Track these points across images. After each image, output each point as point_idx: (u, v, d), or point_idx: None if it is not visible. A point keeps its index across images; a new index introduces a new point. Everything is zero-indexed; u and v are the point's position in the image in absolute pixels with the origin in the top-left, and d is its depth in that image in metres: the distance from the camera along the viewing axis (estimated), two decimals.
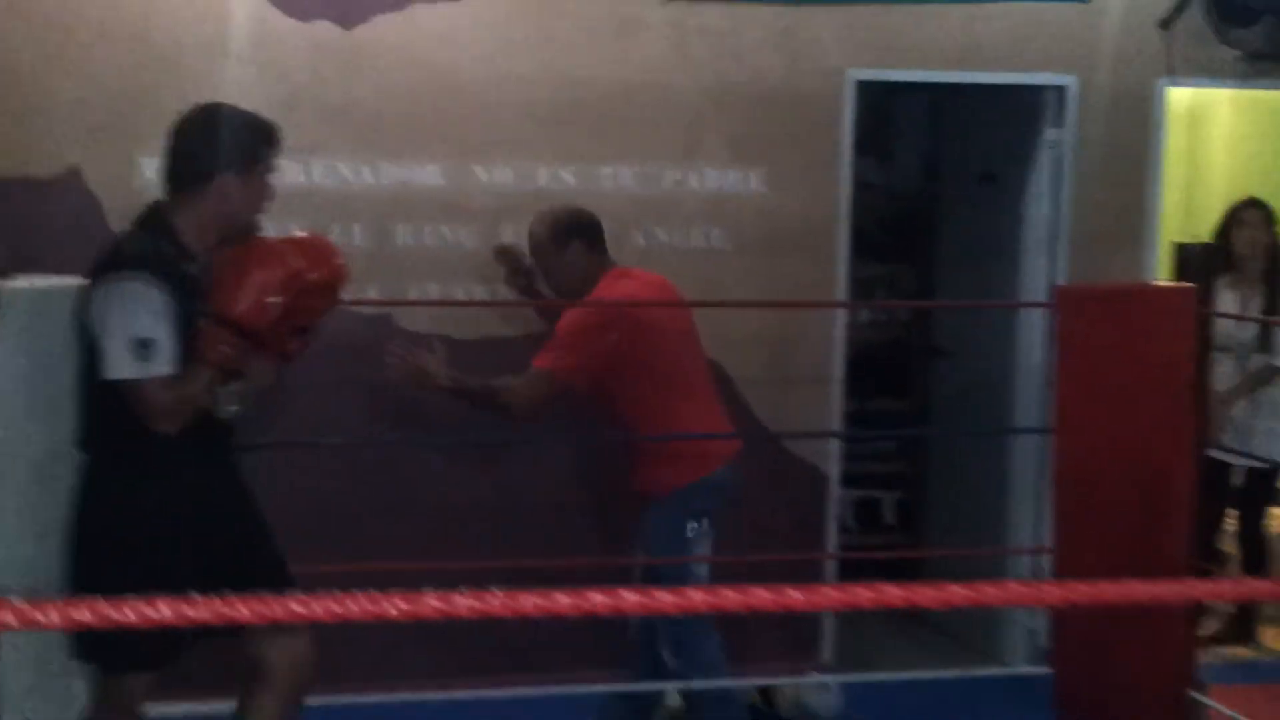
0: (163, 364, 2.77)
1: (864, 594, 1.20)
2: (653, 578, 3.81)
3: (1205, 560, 4.51)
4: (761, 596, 1.08)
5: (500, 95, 4.41)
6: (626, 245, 4.38)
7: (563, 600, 1.16)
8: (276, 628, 3.00)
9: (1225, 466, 4.98)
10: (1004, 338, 5.07)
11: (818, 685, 4.43)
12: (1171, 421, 3.85)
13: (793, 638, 4.67)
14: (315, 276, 2.87)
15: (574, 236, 3.90)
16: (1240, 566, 5.05)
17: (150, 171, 4.17)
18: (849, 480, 5.49)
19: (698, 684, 4.04)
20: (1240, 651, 5.07)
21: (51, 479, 2.90)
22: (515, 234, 4.32)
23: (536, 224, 3.94)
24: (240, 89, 4.00)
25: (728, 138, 4.60)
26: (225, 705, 3.12)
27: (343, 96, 4.31)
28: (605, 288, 3.86)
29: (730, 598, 1.11)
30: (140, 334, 2.75)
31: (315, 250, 2.94)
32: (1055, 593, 1.46)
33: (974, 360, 5.30)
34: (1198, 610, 4.10)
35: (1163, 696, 3.95)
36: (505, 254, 4.16)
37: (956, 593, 1.14)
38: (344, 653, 3.82)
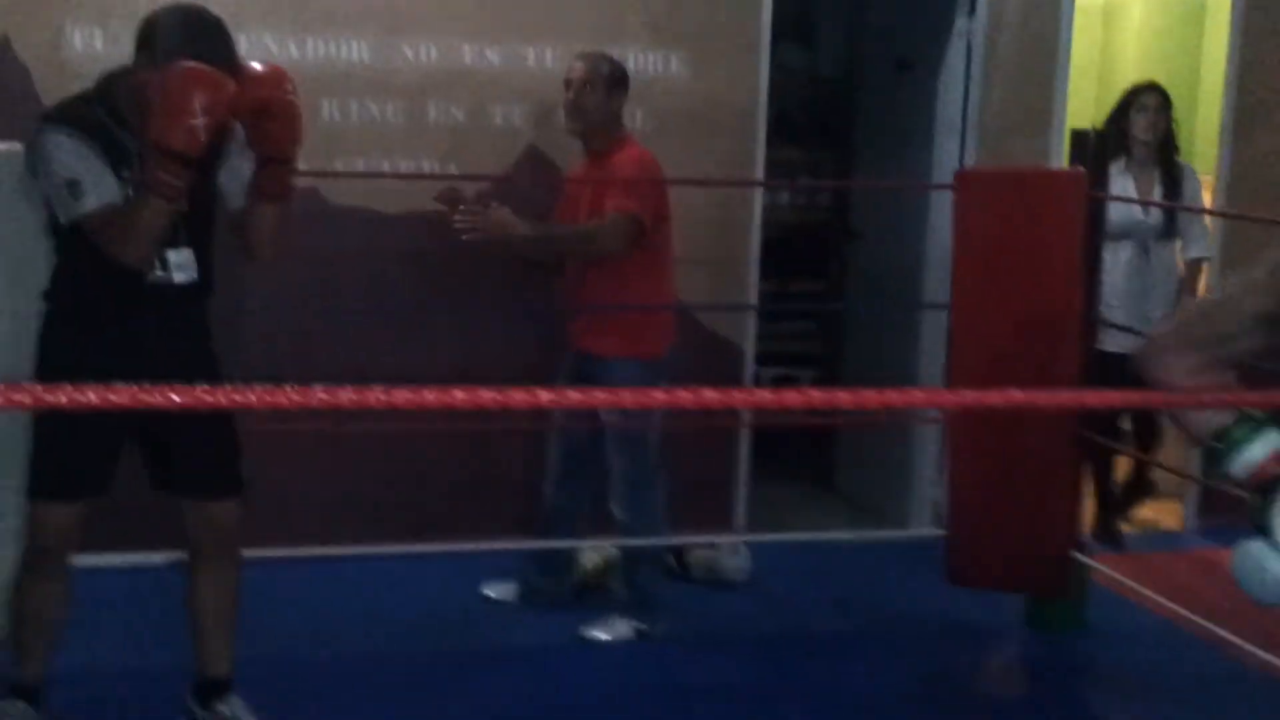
0: (92, 199, 2.90)
1: (791, 397, 1.35)
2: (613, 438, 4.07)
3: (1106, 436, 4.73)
4: (683, 397, 1.22)
5: None
6: (551, 124, 4.51)
7: (517, 396, 1.28)
8: (203, 497, 3.19)
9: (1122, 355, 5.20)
10: (916, 220, 5.26)
11: (731, 549, 4.65)
12: (1061, 299, 4.07)
13: (706, 503, 4.89)
14: (253, 98, 2.91)
15: (623, 89, 4.14)
16: (1134, 441, 5.29)
17: (80, 41, 4.26)
18: (767, 359, 5.70)
19: (607, 544, 4.27)
20: (1127, 526, 5.36)
21: (25, 340, 3.06)
22: (438, 110, 4.44)
23: (600, 61, 4.10)
24: None
25: (650, 20, 4.71)
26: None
27: None
28: (635, 146, 4.13)
29: (657, 397, 1.26)
30: (67, 175, 2.89)
31: (254, 75, 2.96)
32: (949, 398, 1.64)
33: (888, 241, 5.50)
34: (1080, 476, 4.33)
35: (1049, 558, 4.22)
36: (449, 195, 4.16)
37: (868, 396, 1.31)
38: (271, 513, 4.01)
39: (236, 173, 3.13)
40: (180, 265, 3.06)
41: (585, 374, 4.03)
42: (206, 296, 3.17)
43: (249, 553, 3.31)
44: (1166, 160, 5.13)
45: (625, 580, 4.22)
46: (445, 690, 3.73)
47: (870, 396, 1.39)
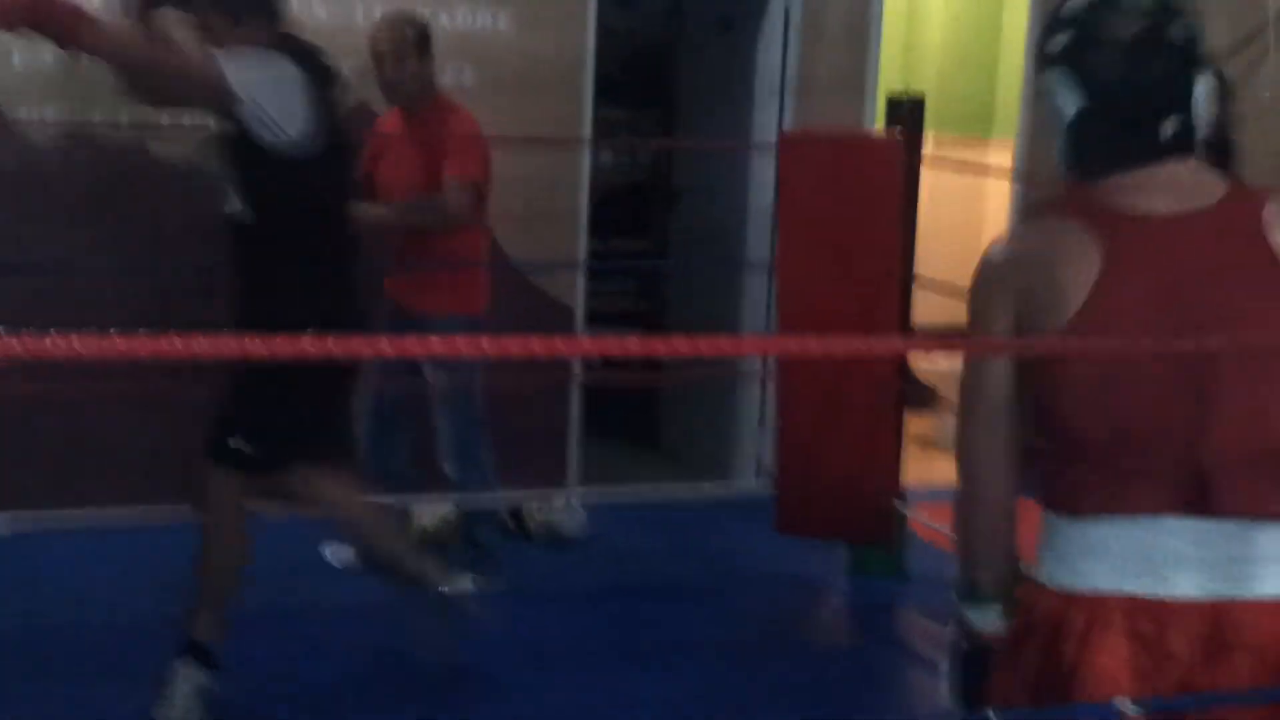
0: None
1: (630, 345, 1.37)
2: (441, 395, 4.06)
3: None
4: (515, 345, 1.23)
5: None
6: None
7: (357, 345, 1.26)
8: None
9: None
10: (738, 180, 5.37)
11: (566, 506, 4.71)
12: (880, 257, 4.22)
13: (540, 461, 4.93)
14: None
15: (430, 46, 4.10)
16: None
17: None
18: (594, 318, 5.74)
19: (446, 502, 4.28)
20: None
21: None
22: None
23: (403, 26, 4.04)
24: None
25: None
26: None
27: None
28: (456, 107, 4.15)
29: (489, 345, 1.25)
30: None
31: None
32: (778, 344, 1.68)
33: (710, 201, 5.59)
34: (900, 428, 4.51)
35: (871, 508, 4.39)
36: None
37: (697, 344, 1.32)
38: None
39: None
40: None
41: (406, 331, 4.03)
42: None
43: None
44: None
45: (464, 537, 4.24)
46: (293, 645, 3.73)
47: (699, 344, 1.38)
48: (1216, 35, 4.27)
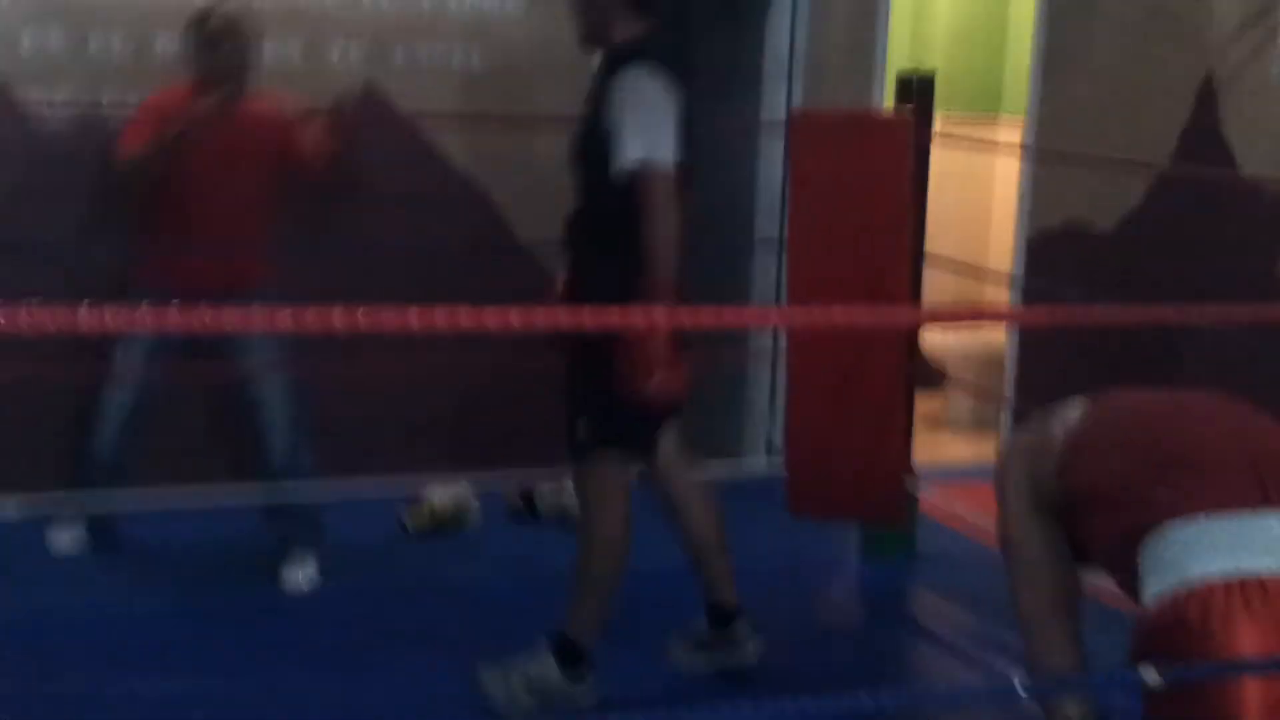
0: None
1: (635, 316, 1.38)
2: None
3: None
4: (517, 317, 1.24)
5: None
6: (388, 62, 4.44)
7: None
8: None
9: None
10: (748, 159, 5.36)
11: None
12: (891, 236, 4.21)
13: (550, 443, 4.92)
14: None
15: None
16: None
17: None
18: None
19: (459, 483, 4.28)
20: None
21: None
22: (276, 50, 4.35)
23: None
24: None
25: None
26: None
27: None
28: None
29: (509, 318, 1.27)
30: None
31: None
32: (788, 315, 1.68)
33: (720, 180, 5.57)
34: (910, 408, 4.51)
35: (883, 488, 4.39)
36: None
37: (704, 314, 1.34)
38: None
39: None
40: None
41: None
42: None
43: None
44: None
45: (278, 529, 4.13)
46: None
47: (705, 315, 1.42)
48: (1227, 14, 4.28)
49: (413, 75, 4.60)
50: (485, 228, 4.75)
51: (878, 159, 4.21)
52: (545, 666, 3.27)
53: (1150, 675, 1.65)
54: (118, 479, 4.12)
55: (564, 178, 4.91)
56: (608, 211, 3.23)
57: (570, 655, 3.29)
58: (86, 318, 1.22)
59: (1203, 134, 4.36)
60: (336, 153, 3.98)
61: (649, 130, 3.15)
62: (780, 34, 5.23)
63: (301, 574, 4.00)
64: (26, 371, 3.98)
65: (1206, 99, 4.44)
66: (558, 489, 4.66)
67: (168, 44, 4.32)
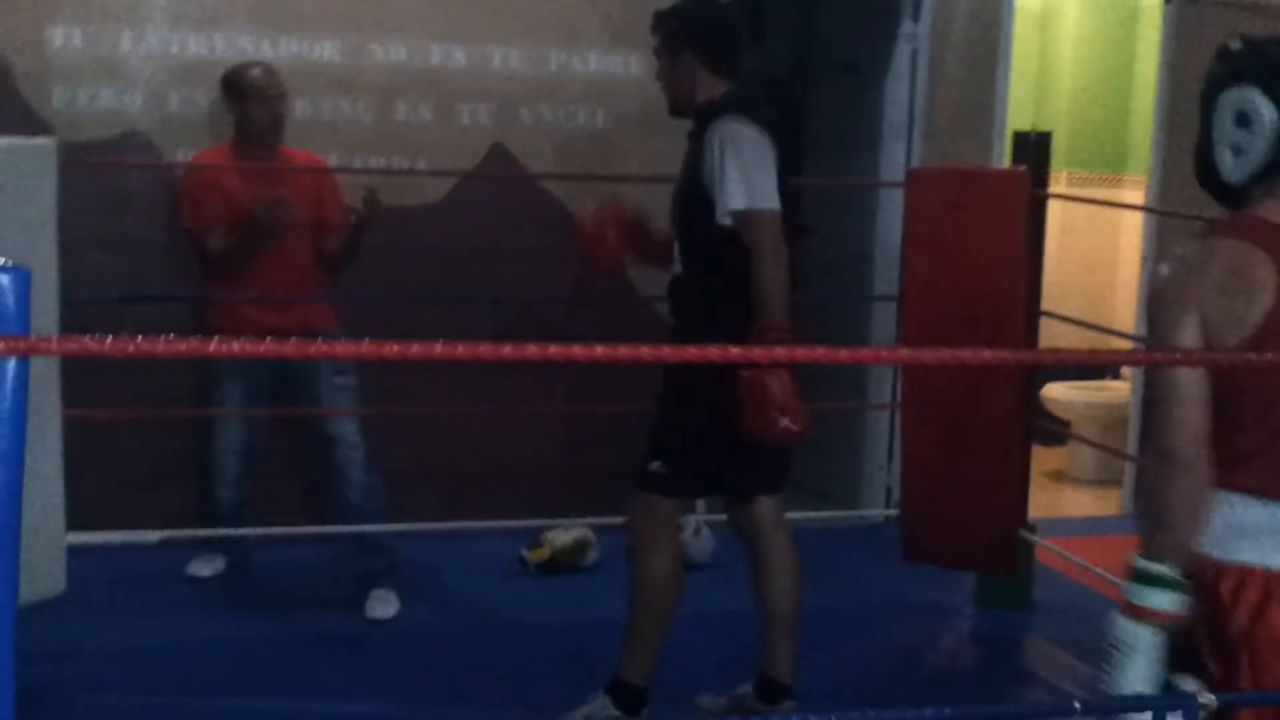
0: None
1: (757, 353, 1.47)
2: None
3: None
4: (668, 352, 1.32)
5: None
6: (515, 123, 4.66)
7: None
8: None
9: None
10: (866, 217, 5.46)
11: (696, 533, 4.80)
12: (1005, 291, 4.27)
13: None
14: None
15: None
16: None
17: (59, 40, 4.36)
18: None
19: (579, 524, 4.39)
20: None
21: None
22: (409, 110, 4.59)
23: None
24: None
25: (608, 25, 4.87)
26: None
27: None
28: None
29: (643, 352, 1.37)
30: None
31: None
32: (902, 354, 1.76)
33: (840, 237, 5.68)
34: (1026, 457, 4.52)
35: (997, 537, 4.41)
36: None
37: (819, 352, 1.42)
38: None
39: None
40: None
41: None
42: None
43: None
44: None
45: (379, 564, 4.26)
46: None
47: (820, 353, 1.48)
48: None
49: (541, 134, 4.81)
50: (606, 282, 4.89)
51: (991, 214, 4.28)
52: (603, 709, 3.30)
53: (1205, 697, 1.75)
54: (241, 514, 4.36)
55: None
56: (715, 266, 3.24)
57: (626, 697, 3.31)
58: (215, 347, 1.35)
59: None
60: (361, 222, 4.14)
61: (750, 176, 3.17)
62: (899, 94, 5.33)
63: (381, 607, 4.15)
64: (160, 413, 4.26)
65: None
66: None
67: (305, 108, 4.59)
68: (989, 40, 5.31)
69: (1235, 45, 2.08)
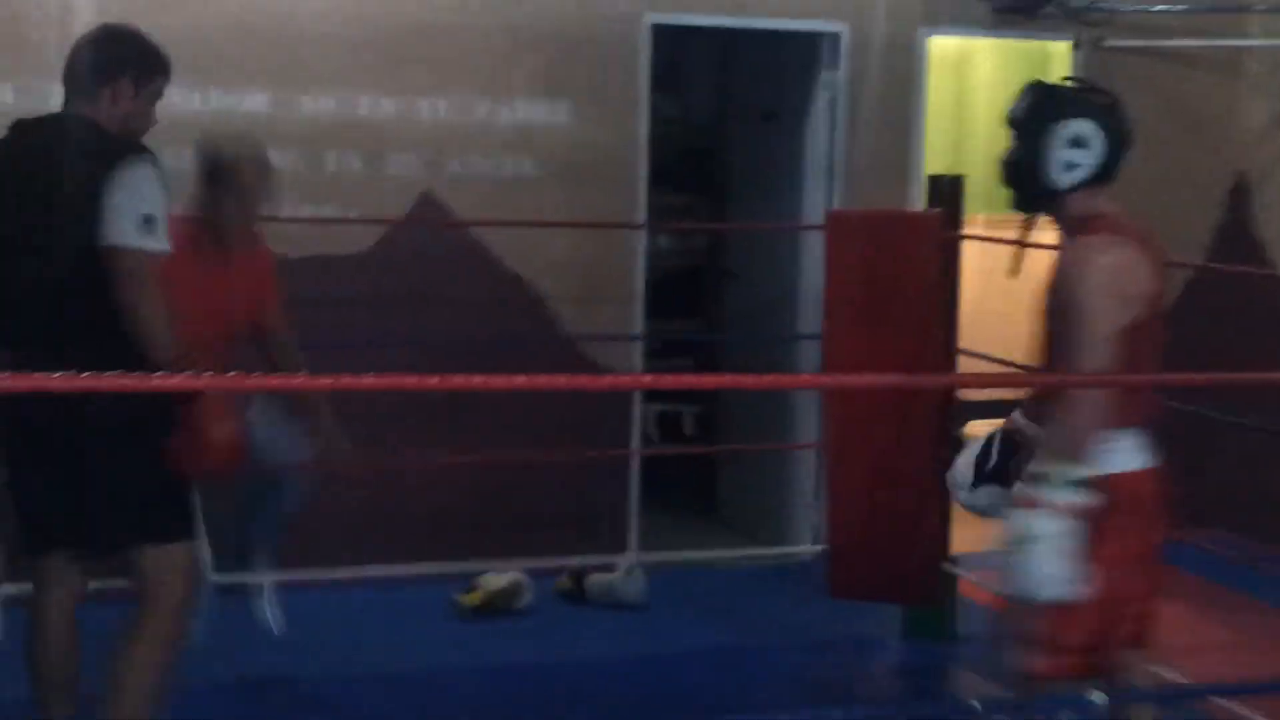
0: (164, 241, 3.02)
1: (685, 380, 1.57)
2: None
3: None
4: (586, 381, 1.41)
5: (326, 28, 4.71)
6: (443, 172, 4.75)
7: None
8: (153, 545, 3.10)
9: None
10: (788, 260, 5.58)
11: (626, 572, 4.87)
12: (922, 328, 4.39)
13: (601, 529, 5.13)
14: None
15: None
16: None
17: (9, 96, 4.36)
18: (652, 395, 5.96)
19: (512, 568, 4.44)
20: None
21: None
22: (338, 160, 4.66)
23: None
24: (75, 13, 4.19)
25: (535, 74, 4.97)
26: None
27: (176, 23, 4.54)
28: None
29: (551, 380, 1.45)
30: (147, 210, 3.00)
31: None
32: (825, 380, 1.84)
33: (762, 280, 5.81)
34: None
35: (922, 570, 4.52)
36: None
37: (747, 379, 1.52)
38: None
39: None
40: None
41: None
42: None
43: None
44: None
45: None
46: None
47: (748, 380, 1.58)
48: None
49: (469, 183, 4.89)
50: (533, 324, 4.99)
51: (908, 255, 4.41)
52: None
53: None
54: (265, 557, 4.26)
55: (614, 280, 5.19)
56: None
57: None
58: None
59: (1234, 233, 4.53)
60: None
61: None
62: (818, 141, 5.47)
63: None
64: None
65: (1238, 199, 4.62)
66: (607, 574, 4.84)
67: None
68: (905, 86, 5.47)
69: (1066, 85, 2.99)
